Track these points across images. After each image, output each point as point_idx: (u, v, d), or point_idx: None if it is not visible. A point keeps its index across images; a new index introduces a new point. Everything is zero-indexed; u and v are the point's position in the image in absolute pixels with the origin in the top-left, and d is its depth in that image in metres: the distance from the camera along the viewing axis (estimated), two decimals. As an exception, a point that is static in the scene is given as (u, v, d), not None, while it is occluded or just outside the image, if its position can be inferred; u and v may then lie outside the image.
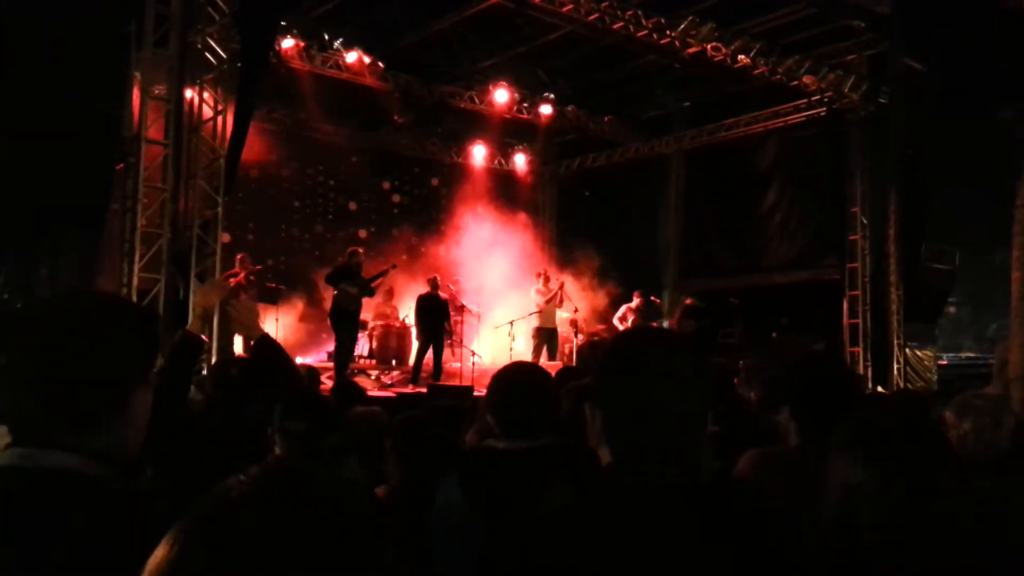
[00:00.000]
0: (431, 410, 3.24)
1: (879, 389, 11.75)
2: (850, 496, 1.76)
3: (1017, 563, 1.74)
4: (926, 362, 12.41)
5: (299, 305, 13.54)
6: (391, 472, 2.82)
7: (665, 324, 14.98)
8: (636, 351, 1.46)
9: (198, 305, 2.56)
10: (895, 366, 12.15)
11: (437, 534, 2.33)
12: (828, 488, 1.79)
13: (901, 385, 11.79)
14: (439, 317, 11.84)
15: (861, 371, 12.37)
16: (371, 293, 11.43)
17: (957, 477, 1.81)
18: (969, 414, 2.52)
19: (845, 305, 12.76)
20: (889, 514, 1.68)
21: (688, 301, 13.46)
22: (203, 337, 2.75)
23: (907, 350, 12.26)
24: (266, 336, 2.88)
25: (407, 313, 13.51)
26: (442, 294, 12.16)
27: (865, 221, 12.71)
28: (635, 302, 13.35)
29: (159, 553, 0.75)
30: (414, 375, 11.68)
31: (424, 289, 12.04)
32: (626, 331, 1.66)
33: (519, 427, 2.36)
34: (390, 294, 13.45)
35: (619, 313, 13.33)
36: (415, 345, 12.67)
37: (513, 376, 2.50)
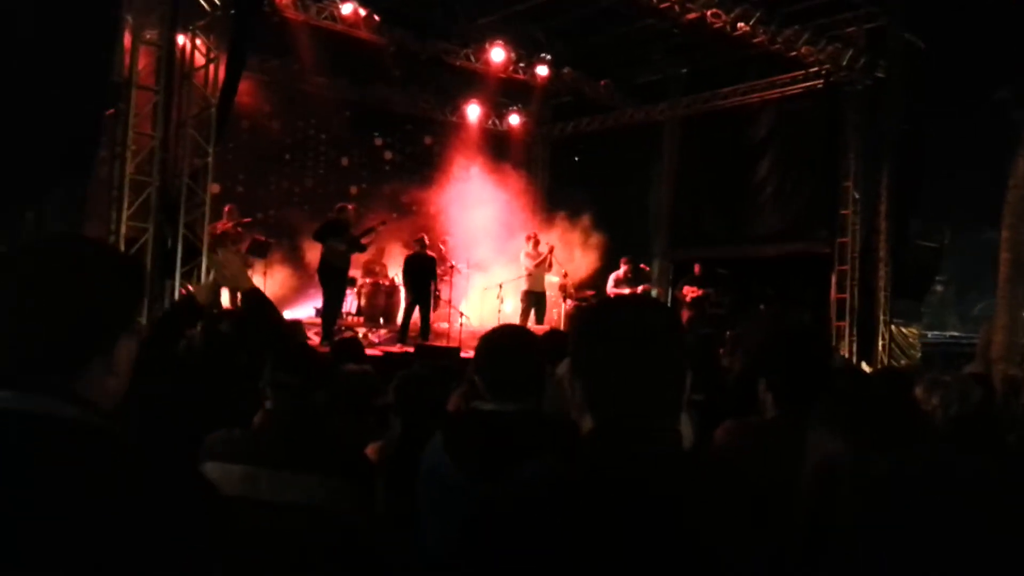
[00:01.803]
0: (431, 369, 3.24)
1: (863, 365, 11.85)
2: (827, 466, 1.79)
3: (983, 536, 1.77)
4: (911, 339, 12.51)
5: (288, 259, 13.49)
6: (391, 428, 2.83)
7: (654, 292, 15.05)
8: (608, 318, 1.46)
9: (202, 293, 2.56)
10: (880, 342, 12.24)
11: (422, 496, 2.34)
12: (807, 459, 1.81)
13: (886, 361, 11.89)
14: (426, 277, 11.85)
15: (847, 346, 12.48)
16: (361, 249, 11.39)
17: (930, 450, 1.84)
18: (938, 390, 2.58)
19: (833, 279, 12.82)
20: (863, 484, 1.70)
21: (697, 268, 13.41)
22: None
23: (892, 327, 12.35)
24: (255, 289, 2.86)
25: (396, 272, 13.50)
26: (430, 253, 12.16)
27: (857, 196, 12.72)
28: (623, 269, 13.36)
29: None
30: (401, 334, 11.70)
31: (412, 249, 12.04)
32: (599, 300, 1.67)
33: (506, 389, 2.36)
34: (380, 252, 13.42)
35: (610, 283, 13.33)
36: (403, 304, 12.67)
37: (501, 338, 2.51)
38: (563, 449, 2.08)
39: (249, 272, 3.33)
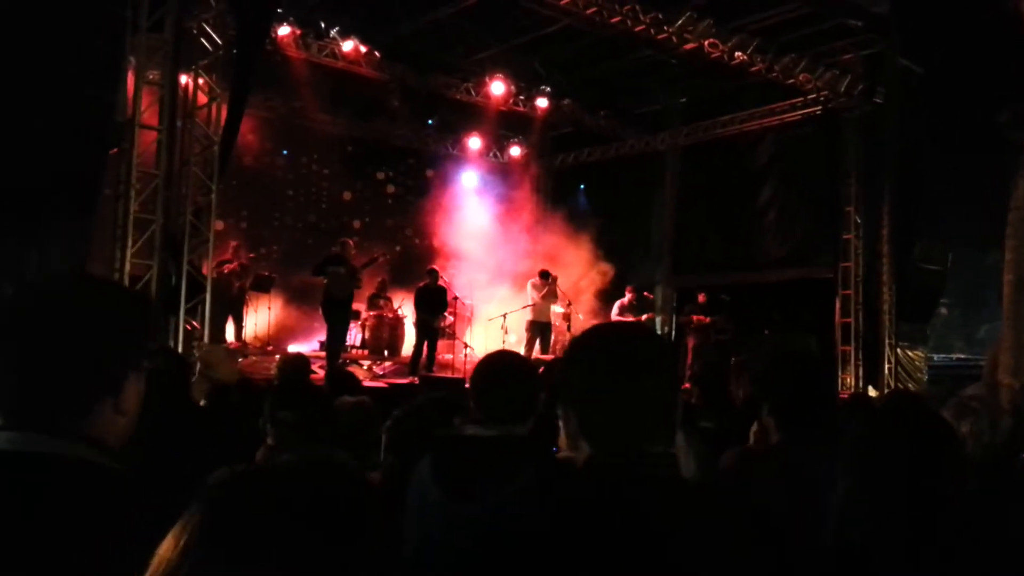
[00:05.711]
0: (428, 401, 3.25)
1: (870, 389, 11.78)
2: (850, 497, 1.76)
3: (1008, 566, 1.74)
4: (917, 362, 12.43)
5: (292, 294, 13.51)
6: (385, 464, 2.83)
7: (657, 319, 15.01)
8: (597, 346, 1.46)
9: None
10: (886, 366, 12.17)
11: (407, 516, 2.37)
12: (835, 489, 1.78)
13: (892, 385, 11.81)
14: (439, 308, 11.86)
15: (852, 370, 12.41)
16: (358, 284, 11.34)
17: (959, 481, 1.81)
18: (967, 417, 2.51)
19: (837, 304, 12.78)
20: (889, 516, 1.68)
21: (701, 297, 13.29)
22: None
23: (898, 350, 12.28)
24: (244, 379, 2.88)
25: (400, 304, 13.51)
26: (442, 284, 12.18)
27: (859, 220, 12.73)
28: (627, 297, 13.32)
29: (168, 542, 0.76)
30: (412, 367, 11.67)
31: (424, 281, 12.07)
32: (586, 328, 1.66)
33: (497, 414, 2.38)
34: (383, 285, 13.44)
35: (615, 311, 13.29)
36: (409, 335, 12.64)
37: (494, 364, 2.56)
38: (536, 473, 2.11)
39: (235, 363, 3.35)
